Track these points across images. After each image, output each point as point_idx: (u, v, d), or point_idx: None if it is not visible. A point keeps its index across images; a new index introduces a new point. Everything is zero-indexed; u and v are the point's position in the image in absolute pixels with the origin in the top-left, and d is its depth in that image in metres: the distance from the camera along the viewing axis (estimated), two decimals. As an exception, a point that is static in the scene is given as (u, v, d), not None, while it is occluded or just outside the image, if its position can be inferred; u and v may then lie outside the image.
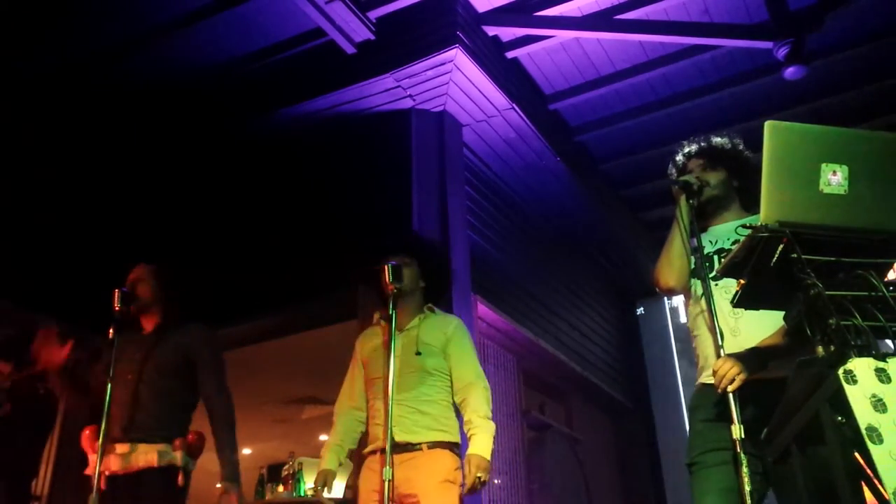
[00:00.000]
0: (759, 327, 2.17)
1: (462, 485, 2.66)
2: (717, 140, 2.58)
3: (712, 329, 2.15)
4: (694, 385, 2.43)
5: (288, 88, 4.67)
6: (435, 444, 2.68)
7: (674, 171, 2.64)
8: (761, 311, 1.99)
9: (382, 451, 2.64)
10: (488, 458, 2.64)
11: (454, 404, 2.83)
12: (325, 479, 2.80)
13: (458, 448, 2.77)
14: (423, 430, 2.70)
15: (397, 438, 2.65)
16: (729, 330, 2.24)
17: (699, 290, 2.34)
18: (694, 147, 2.61)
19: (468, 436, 2.71)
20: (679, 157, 2.64)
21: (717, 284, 2.27)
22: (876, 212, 1.83)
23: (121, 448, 2.86)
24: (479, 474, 2.59)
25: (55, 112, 4.86)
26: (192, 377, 3.04)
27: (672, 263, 2.44)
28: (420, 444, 2.67)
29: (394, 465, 2.61)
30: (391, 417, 2.66)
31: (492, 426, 2.71)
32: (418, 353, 2.79)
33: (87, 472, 2.88)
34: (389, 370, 2.61)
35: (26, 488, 3.84)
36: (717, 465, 2.13)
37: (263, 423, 8.01)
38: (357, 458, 3.03)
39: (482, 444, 2.65)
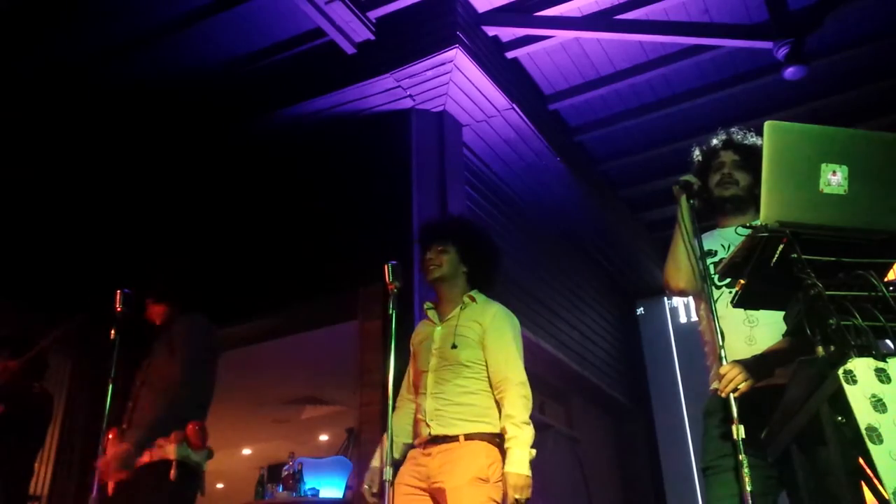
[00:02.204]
0: (775, 336, 2.13)
1: (495, 483, 2.53)
2: (756, 140, 2.47)
3: (717, 332, 2.11)
4: (693, 385, 2.42)
5: (288, 88, 4.67)
6: (472, 436, 2.57)
7: (698, 155, 2.55)
8: (777, 320, 1.95)
9: (423, 444, 2.64)
10: (525, 472, 2.48)
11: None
12: (371, 479, 2.70)
13: (498, 439, 2.62)
14: (461, 421, 2.59)
15: (434, 433, 2.61)
16: (744, 339, 2.21)
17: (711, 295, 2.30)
18: (735, 138, 2.50)
19: (504, 447, 2.56)
20: (715, 141, 2.52)
21: (731, 292, 2.23)
22: (876, 212, 1.83)
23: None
24: (516, 496, 2.44)
25: (56, 112, 4.86)
26: None
27: (679, 266, 2.38)
28: (457, 435, 2.58)
29: (431, 454, 2.60)
30: (425, 412, 2.65)
31: (528, 434, 2.54)
32: (454, 347, 2.70)
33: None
34: (390, 369, 2.56)
35: (23, 488, 3.84)
36: (733, 469, 2.09)
37: (263, 423, 8.01)
38: (357, 456, 3.01)
39: (517, 459, 2.49)
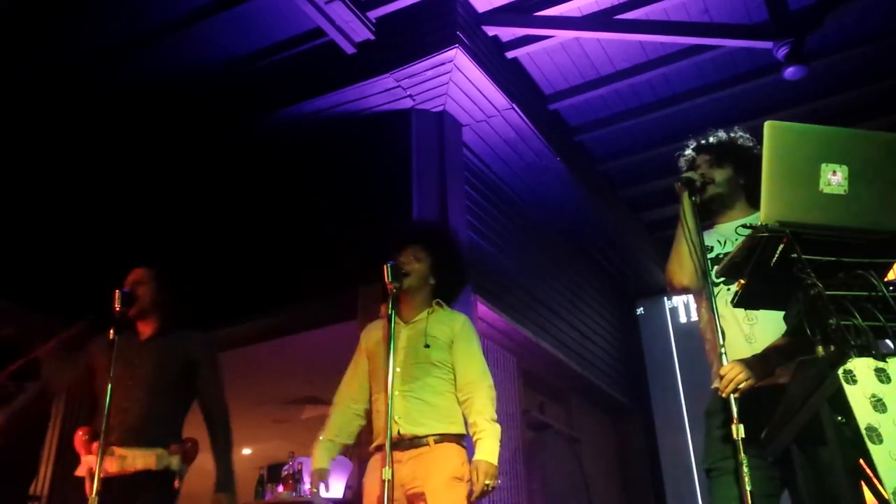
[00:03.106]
0: (775, 334, 2.13)
1: (469, 482, 2.61)
2: (726, 135, 2.55)
3: (717, 330, 2.11)
4: (693, 384, 2.43)
5: (288, 88, 4.67)
6: (442, 438, 2.64)
7: (683, 165, 2.62)
8: (777, 317, 1.95)
9: (392, 445, 2.64)
10: (495, 462, 2.60)
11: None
12: (319, 478, 2.76)
13: (464, 440, 2.72)
14: (430, 421, 2.66)
15: (402, 432, 2.64)
16: (744, 337, 2.22)
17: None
18: (703, 141, 2.59)
19: (474, 440, 2.67)
20: (689, 152, 2.62)
21: (728, 289, 2.25)
22: (876, 212, 1.83)
23: (119, 451, 2.86)
24: (487, 481, 2.56)
25: (56, 112, 4.86)
26: (189, 381, 3.07)
27: (682, 263, 2.39)
28: (426, 437, 2.64)
29: (401, 461, 2.61)
30: (394, 410, 2.64)
31: (498, 429, 2.67)
32: (427, 346, 2.77)
33: (78, 472, 2.91)
34: (389, 369, 2.58)
35: (23, 489, 3.83)
36: (736, 471, 2.06)
37: (263, 423, 8.01)
38: (357, 456, 3.01)
39: (489, 449, 2.61)
